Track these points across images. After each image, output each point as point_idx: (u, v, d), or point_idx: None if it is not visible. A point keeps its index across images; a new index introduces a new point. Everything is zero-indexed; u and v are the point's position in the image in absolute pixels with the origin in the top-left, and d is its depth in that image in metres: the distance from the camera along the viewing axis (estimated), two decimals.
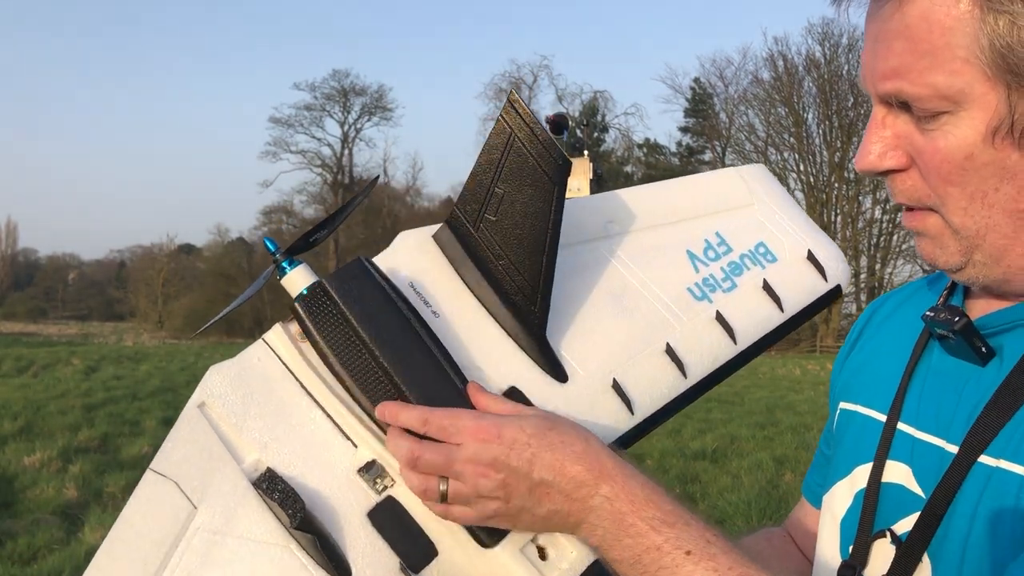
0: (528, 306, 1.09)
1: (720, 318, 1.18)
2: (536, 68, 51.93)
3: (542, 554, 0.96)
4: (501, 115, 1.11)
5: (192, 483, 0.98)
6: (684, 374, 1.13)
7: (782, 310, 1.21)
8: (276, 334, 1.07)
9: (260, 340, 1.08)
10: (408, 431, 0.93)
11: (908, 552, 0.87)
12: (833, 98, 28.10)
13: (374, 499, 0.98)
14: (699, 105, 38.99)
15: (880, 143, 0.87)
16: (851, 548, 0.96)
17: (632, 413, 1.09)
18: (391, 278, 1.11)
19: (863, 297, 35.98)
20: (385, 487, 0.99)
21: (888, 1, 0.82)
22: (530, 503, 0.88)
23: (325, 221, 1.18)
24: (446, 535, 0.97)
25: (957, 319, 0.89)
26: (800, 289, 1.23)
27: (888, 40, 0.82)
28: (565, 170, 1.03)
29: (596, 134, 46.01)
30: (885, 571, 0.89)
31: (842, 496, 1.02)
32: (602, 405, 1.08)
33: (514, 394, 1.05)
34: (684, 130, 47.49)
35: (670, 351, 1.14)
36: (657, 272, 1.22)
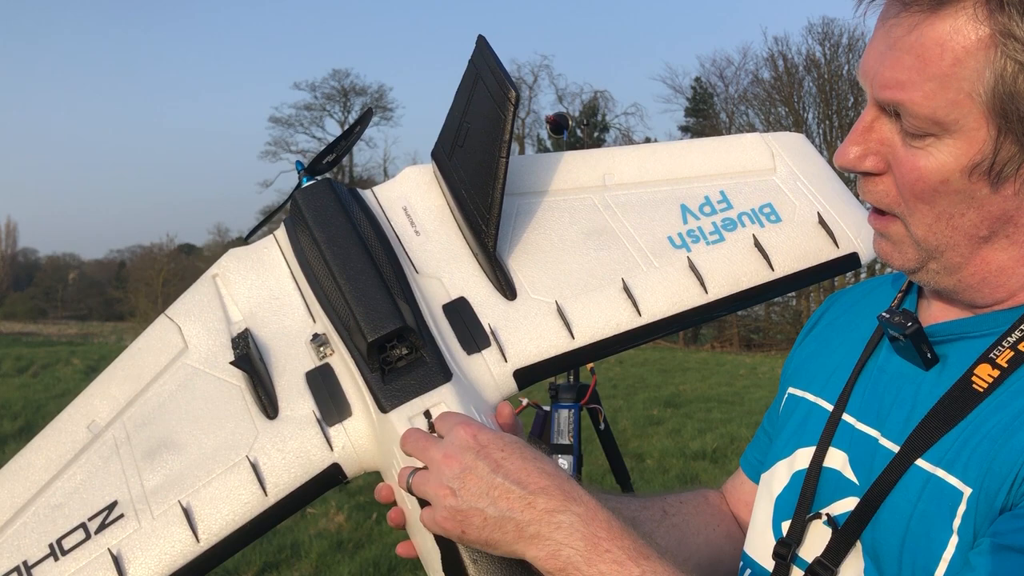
0: (483, 227, 1.18)
1: (692, 267, 1.22)
2: (536, 68, 51.87)
3: (431, 425, 1.05)
4: (472, 57, 1.22)
5: (190, 329, 1.23)
6: (639, 312, 1.19)
7: (772, 268, 1.23)
8: (281, 233, 1.31)
9: (271, 235, 1.33)
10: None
11: (843, 536, 0.92)
12: (833, 98, 28.10)
13: (315, 363, 1.18)
14: (699, 105, 38.97)
15: (862, 145, 0.89)
16: (786, 525, 1.01)
17: (573, 337, 1.18)
18: (391, 202, 1.31)
19: None
20: (325, 355, 1.18)
21: (908, 14, 0.82)
22: (483, 503, 0.87)
23: (331, 146, 1.40)
24: (361, 405, 1.13)
25: (910, 324, 0.92)
26: (801, 251, 1.25)
27: (900, 51, 0.83)
28: (514, 104, 1.13)
29: (596, 134, 45.97)
30: (819, 551, 0.94)
31: (780, 475, 1.07)
32: (544, 325, 1.19)
33: (462, 304, 1.19)
34: (684, 129, 47.48)
35: (627, 289, 1.20)
36: (641, 220, 1.28)
